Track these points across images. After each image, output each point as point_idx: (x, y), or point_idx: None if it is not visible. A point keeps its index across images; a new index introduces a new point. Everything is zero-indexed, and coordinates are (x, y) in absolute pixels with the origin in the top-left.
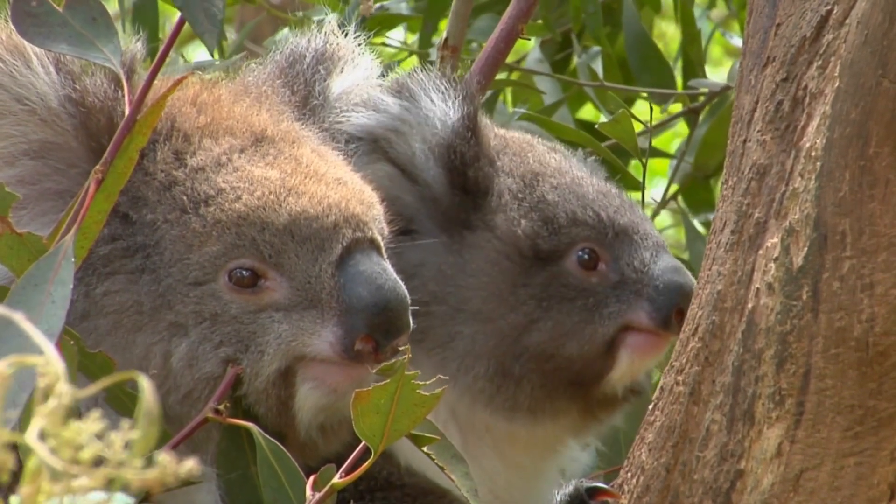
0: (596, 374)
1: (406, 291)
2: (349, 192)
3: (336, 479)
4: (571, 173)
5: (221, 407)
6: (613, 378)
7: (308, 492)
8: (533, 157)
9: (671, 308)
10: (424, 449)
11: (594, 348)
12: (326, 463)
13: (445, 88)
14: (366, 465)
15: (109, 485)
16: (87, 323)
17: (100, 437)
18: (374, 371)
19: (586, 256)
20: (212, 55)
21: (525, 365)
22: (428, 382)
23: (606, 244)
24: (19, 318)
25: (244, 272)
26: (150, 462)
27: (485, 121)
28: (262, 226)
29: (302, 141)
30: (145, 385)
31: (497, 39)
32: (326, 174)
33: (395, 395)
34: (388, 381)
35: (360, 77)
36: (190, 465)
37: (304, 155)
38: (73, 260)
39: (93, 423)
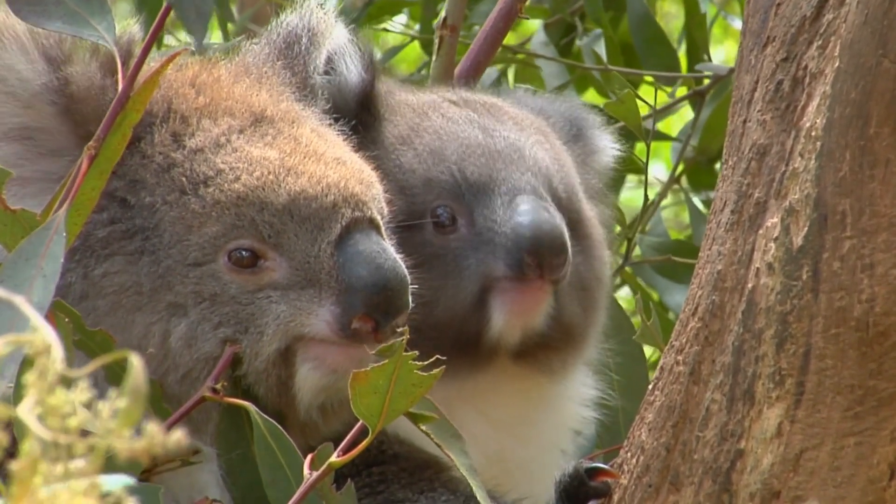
0: (473, 335)
1: (405, 271)
2: (348, 171)
3: (333, 458)
4: (443, 132)
5: (219, 386)
6: (493, 335)
7: (305, 470)
8: (414, 121)
9: (519, 253)
10: (422, 427)
11: (462, 308)
12: (323, 441)
13: (352, 53)
14: (363, 444)
15: (105, 466)
16: (86, 303)
17: (87, 406)
18: (373, 352)
19: (441, 218)
20: (196, 50)
21: (416, 334)
22: (426, 363)
23: (462, 200)
24: (9, 295)
25: (244, 252)
26: (138, 434)
27: (389, 89)
28: (261, 206)
29: (301, 121)
30: (135, 362)
31: (496, 19)
32: (325, 154)
33: (392, 376)
34: (386, 361)
35: (336, 46)
36: (177, 436)
37: (303, 135)
38: (64, 235)
39: (80, 392)
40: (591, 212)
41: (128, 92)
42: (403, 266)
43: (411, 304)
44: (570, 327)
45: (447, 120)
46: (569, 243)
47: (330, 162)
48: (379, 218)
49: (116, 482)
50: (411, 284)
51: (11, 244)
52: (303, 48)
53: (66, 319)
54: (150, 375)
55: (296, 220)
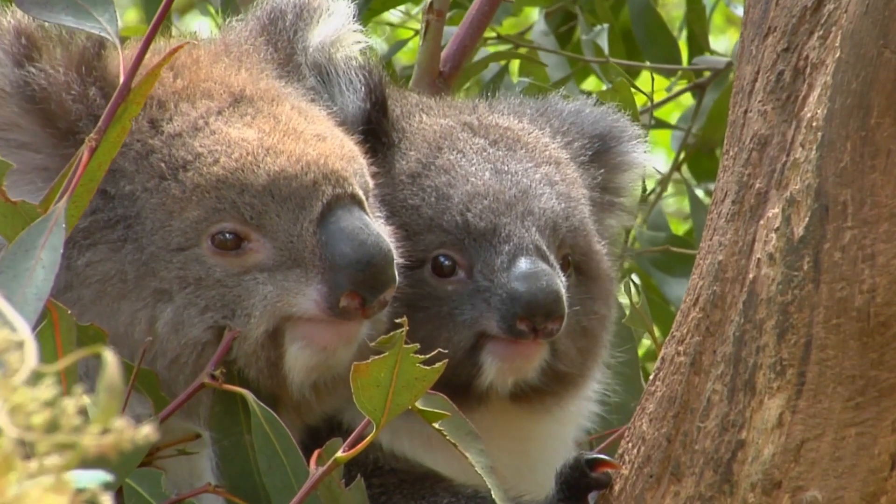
0: (465, 381)
1: (390, 245)
2: (328, 147)
3: (339, 454)
4: (453, 171)
5: (217, 373)
6: (484, 383)
7: (311, 466)
8: (426, 155)
9: (513, 318)
10: (436, 425)
11: (454, 355)
12: (325, 421)
13: (352, 79)
14: (368, 438)
15: (95, 461)
16: (70, 294)
17: (52, 403)
18: (373, 344)
19: (442, 263)
20: (216, 18)
21: None
22: (427, 356)
23: (464, 250)
24: None
25: (227, 235)
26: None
27: (407, 111)
28: (241, 188)
29: (282, 98)
30: (109, 359)
31: (482, 3)
32: (305, 131)
33: (394, 369)
34: (387, 354)
35: (337, 26)
36: (146, 431)
37: (283, 112)
38: (64, 226)
39: (44, 389)
40: (599, 247)
41: (128, 84)
42: (387, 240)
43: (398, 278)
44: (565, 374)
45: (459, 155)
46: (565, 306)
47: (310, 139)
48: (361, 193)
49: (92, 478)
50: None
51: (11, 235)
52: (287, 23)
53: (69, 311)
54: (141, 364)
55: (277, 200)
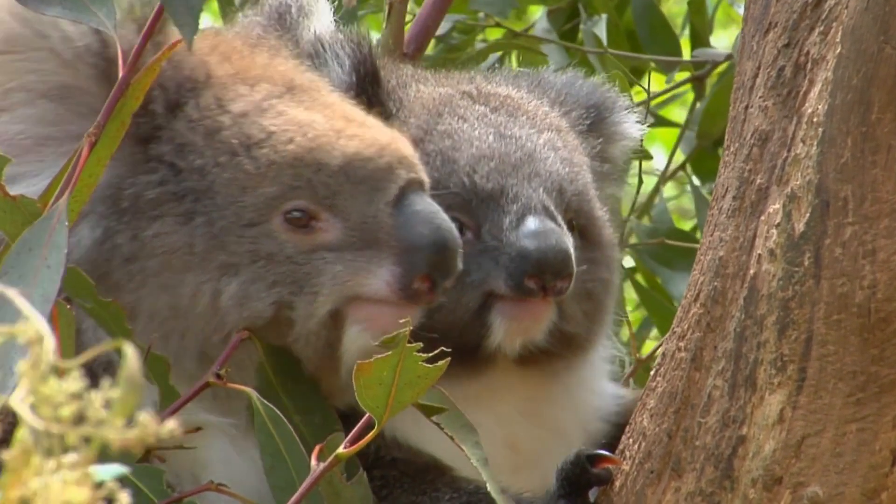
0: (474, 343)
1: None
2: (395, 134)
3: (341, 450)
4: (456, 136)
5: (223, 372)
6: (492, 344)
7: (313, 461)
8: (426, 122)
9: (522, 276)
10: (433, 419)
11: (462, 317)
12: (351, 409)
13: (338, 53)
14: (369, 436)
15: (98, 455)
16: (133, 265)
17: (79, 396)
18: (376, 343)
19: None
20: (189, 48)
21: (416, 337)
22: (431, 354)
23: (471, 211)
24: (8, 290)
25: (298, 213)
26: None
27: (403, 81)
28: (317, 167)
29: (323, 89)
30: (129, 352)
31: None
32: (363, 119)
33: (397, 367)
34: (390, 353)
35: (322, 26)
36: (171, 426)
37: (333, 102)
38: (66, 224)
39: (72, 381)
40: (601, 213)
41: (128, 79)
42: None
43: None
44: (572, 336)
45: (461, 120)
46: (574, 265)
47: (372, 126)
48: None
49: (109, 472)
50: None
51: (12, 231)
52: (292, 20)
53: (69, 307)
54: (195, 336)
55: (352, 181)
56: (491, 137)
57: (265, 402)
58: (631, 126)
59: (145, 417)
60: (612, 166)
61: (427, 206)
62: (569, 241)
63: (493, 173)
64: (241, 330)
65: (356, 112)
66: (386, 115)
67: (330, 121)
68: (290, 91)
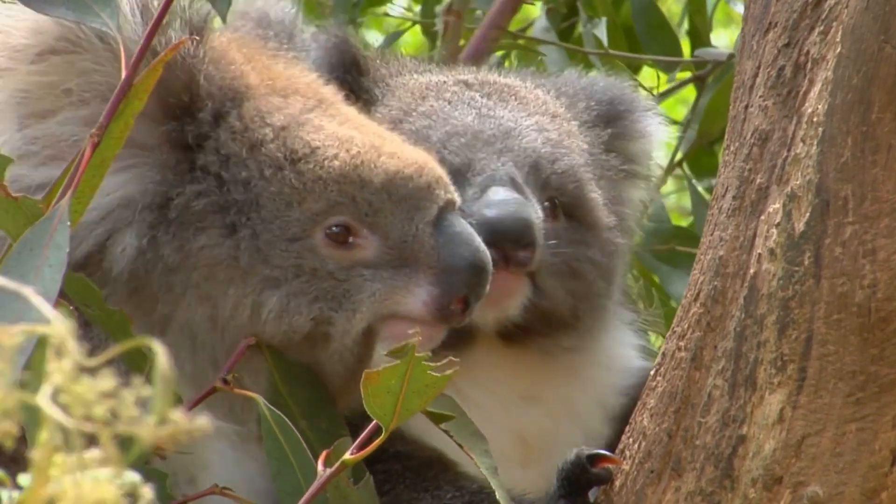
0: None
1: None
2: (427, 155)
3: (348, 456)
4: (434, 115)
5: (230, 377)
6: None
7: (319, 467)
8: (408, 103)
9: (489, 238)
10: (442, 426)
11: None
12: (360, 416)
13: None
14: (376, 442)
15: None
16: (175, 276)
17: (111, 395)
18: (385, 353)
19: None
20: (224, 21)
21: None
22: (439, 364)
23: None
24: (20, 286)
25: (339, 229)
26: (161, 420)
27: (395, 70)
28: (361, 184)
29: (343, 103)
30: (159, 350)
31: (501, 4)
32: (394, 138)
33: (405, 376)
34: (399, 362)
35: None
36: (202, 423)
37: (361, 118)
38: (68, 224)
39: (104, 380)
40: (594, 195)
41: (131, 80)
42: None
43: None
44: (554, 314)
45: (443, 102)
46: (536, 235)
47: (404, 145)
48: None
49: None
50: None
51: (13, 231)
52: (280, 30)
53: (72, 307)
54: (227, 349)
55: (393, 200)
56: (469, 117)
57: (272, 407)
58: (651, 125)
59: (178, 415)
60: (634, 165)
61: (465, 227)
62: (532, 212)
63: (462, 148)
64: (248, 337)
65: (382, 129)
66: (371, 101)
67: (367, 137)
68: (320, 104)
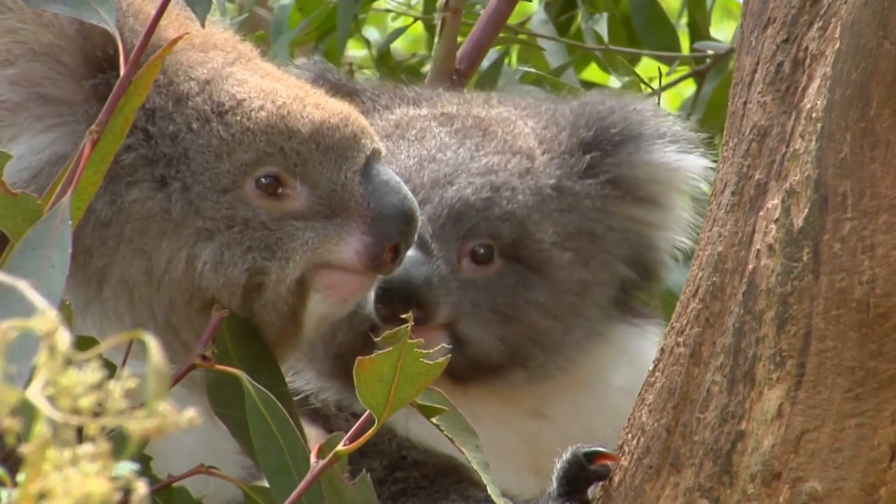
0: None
1: None
2: (350, 106)
3: (340, 447)
4: (388, 158)
5: (209, 353)
6: None
7: (312, 459)
8: (398, 144)
9: (376, 306)
10: (433, 420)
11: (354, 339)
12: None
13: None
14: (370, 432)
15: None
16: (108, 230)
17: (98, 387)
18: (377, 339)
19: None
20: (202, 26)
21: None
22: (431, 351)
23: None
24: (19, 283)
25: (269, 179)
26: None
27: (385, 104)
28: (289, 134)
29: (262, 59)
30: (153, 343)
31: (499, 1)
32: (315, 91)
33: (398, 364)
34: (391, 349)
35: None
36: (190, 414)
37: (280, 72)
38: (70, 223)
39: (91, 372)
40: (542, 236)
41: (130, 76)
42: None
43: None
44: (481, 362)
45: (403, 142)
46: (427, 293)
47: (326, 97)
48: None
49: (124, 464)
50: None
51: (13, 228)
52: None
53: (68, 302)
54: (164, 304)
55: (320, 150)
56: (411, 161)
57: (256, 384)
58: (658, 154)
59: (165, 407)
60: (633, 191)
61: (392, 175)
62: (425, 272)
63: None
64: (220, 309)
65: (302, 83)
66: None
67: (291, 89)
68: (239, 58)
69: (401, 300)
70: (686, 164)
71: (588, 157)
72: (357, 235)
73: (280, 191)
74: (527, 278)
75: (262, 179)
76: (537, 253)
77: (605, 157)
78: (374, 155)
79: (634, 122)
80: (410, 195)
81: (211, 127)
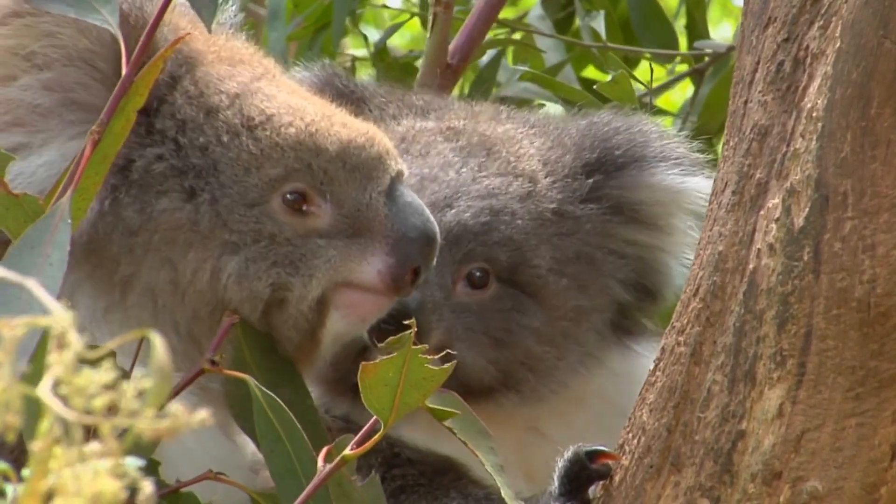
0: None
1: None
2: (374, 127)
3: (347, 451)
4: (418, 174)
5: (218, 358)
6: None
7: (319, 463)
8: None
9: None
10: (446, 423)
11: (344, 360)
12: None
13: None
14: (376, 437)
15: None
16: (136, 238)
17: (111, 387)
18: (381, 345)
19: None
20: (209, 30)
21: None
22: (436, 356)
23: None
24: (27, 281)
25: (295, 196)
26: (161, 412)
27: (395, 112)
28: (317, 151)
29: (286, 77)
30: (157, 341)
31: None
32: (339, 110)
33: (402, 369)
34: (395, 354)
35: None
36: (203, 415)
37: (304, 90)
38: (69, 222)
39: (105, 372)
40: (539, 261)
41: (131, 76)
42: None
43: None
44: (473, 385)
45: (411, 158)
46: (423, 321)
47: (351, 117)
48: None
49: (131, 462)
50: None
51: (14, 229)
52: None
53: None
54: (187, 313)
55: (346, 168)
56: (414, 180)
57: (264, 389)
58: (661, 177)
59: (177, 407)
60: (636, 214)
61: (415, 198)
62: (417, 295)
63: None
64: (231, 314)
65: (327, 103)
66: None
67: (318, 107)
68: (266, 74)
69: (393, 324)
70: (690, 185)
71: (591, 181)
72: (380, 256)
73: (305, 208)
74: (522, 303)
75: (289, 195)
76: (534, 278)
77: (608, 180)
78: (398, 176)
79: (638, 143)
80: (432, 218)
81: (241, 140)
